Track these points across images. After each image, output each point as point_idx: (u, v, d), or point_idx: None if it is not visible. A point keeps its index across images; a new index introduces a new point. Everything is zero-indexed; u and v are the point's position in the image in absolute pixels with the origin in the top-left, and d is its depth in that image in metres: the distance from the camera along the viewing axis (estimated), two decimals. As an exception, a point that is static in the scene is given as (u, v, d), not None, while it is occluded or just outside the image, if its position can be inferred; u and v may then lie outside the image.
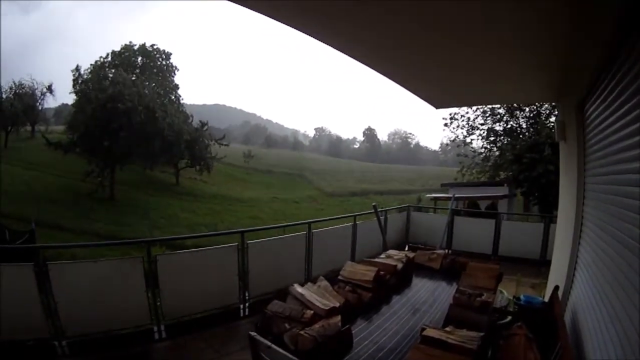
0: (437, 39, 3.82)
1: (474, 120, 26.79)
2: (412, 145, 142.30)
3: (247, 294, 7.11)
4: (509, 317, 4.91)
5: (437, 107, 7.75)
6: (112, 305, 5.66)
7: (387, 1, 2.96)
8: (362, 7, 3.08)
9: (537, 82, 5.57)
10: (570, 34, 3.38)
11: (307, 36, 3.71)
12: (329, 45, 3.96)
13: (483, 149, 27.41)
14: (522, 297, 5.46)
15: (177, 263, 6.46)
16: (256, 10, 3.22)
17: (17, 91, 57.87)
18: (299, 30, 3.58)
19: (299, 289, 4.44)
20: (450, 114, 27.37)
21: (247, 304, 7.09)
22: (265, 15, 3.31)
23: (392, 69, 5.12)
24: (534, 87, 6.05)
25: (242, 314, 7.01)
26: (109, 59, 54.10)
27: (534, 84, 5.72)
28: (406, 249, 10.67)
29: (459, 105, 20.71)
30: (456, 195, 13.77)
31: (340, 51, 4.15)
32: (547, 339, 3.95)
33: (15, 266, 5.28)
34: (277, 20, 3.37)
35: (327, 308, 3.98)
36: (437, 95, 6.72)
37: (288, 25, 3.48)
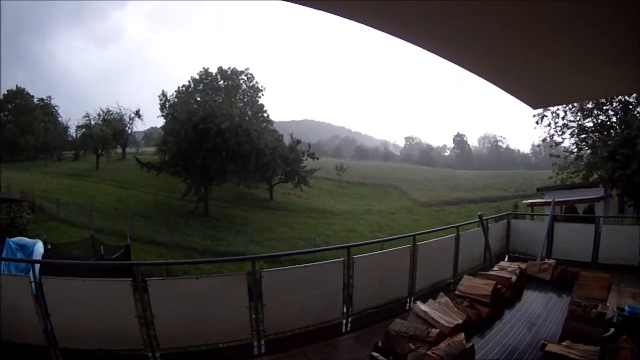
0: (534, 37, 3.81)
1: (563, 117, 25.92)
2: (502, 149, 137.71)
3: (350, 309, 7.05)
4: (612, 330, 4.57)
5: (534, 108, 7.61)
6: (213, 320, 5.85)
7: (479, 7, 3.07)
8: (455, 9, 3.16)
9: (633, 69, 5.39)
10: None
11: (399, 41, 3.76)
12: (423, 48, 4.01)
13: (575, 147, 26.41)
14: (626, 307, 5.15)
15: (282, 279, 6.62)
16: (362, 22, 3.40)
17: (106, 117, 62.03)
18: (392, 34, 3.67)
19: (422, 306, 4.43)
20: (539, 113, 26.59)
21: (349, 319, 7.03)
22: (363, 23, 3.44)
23: (486, 69, 5.09)
24: (632, 77, 5.85)
25: (344, 329, 6.91)
26: (192, 85, 56.67)
27: (632, 73, 5.54)
28: (506, 259, 10.54)
29: (557, 104, 19.93)
30: (556, 200, 13.36)
31: (436, 54, 4.18)
32: None
33: (114, 281, 5.87)
34: (368, 25, 3.48)
35: (451, 326, 3.95)
36: (534, 94, 6.58)
37: (380, 30, 3.56)
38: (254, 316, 6.15)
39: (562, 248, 10.87)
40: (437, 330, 3.91)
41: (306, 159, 46.84)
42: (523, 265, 6.20)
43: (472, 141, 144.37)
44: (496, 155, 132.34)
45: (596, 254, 10.47)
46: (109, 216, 33.26)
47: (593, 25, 3.58)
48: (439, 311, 4.33)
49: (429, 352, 3.55)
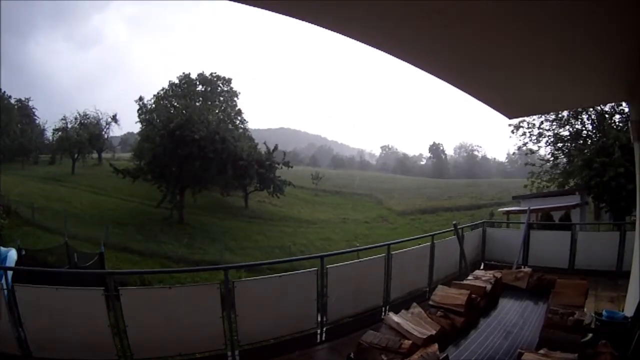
0: (506, 47, 3.85)
1: (539, 126, 26.22)
2: (478, 158, 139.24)
3: (324, 319, 7.03)
4: (590, 335, 4.60)
5: (509, 117, 7.66)
6: (186, 330, 5.79)
7: (453, 9, 3.02)
8: (427, 15, 3.14)
9: (608, 82, 5.41)
10: None
11: (370, 50, 3.75)
12: (393, 56, 4.00)
13: (551, 156, 26.73)
14: (603, 312, 5.16)
15: (255, 288, 6.59)
16: (325, 27, 3.36)
17: (82, 121, 61.15)
18: (364, 42, 3.65)
19: (394, 317, 4.37)
20: (515, 123, 26.89)
21: (324, 329, 7.01)
22: (323, 26, 3.40)
23: (463, 79, 5.12)
24: (604, 87, 5.88)
25: (319, 339, 6.92)
26: (170, 90, 56.27)
27: (605, 83, 5.57)
28: (481, 267, 10.52)
29: (532, 113, 20.22)
30: (531, 208, 13.45)
31: (407, 62, 4.19)
32: (633, 356, 3.81)
33: (86, 290, 5.71)
34: (330, 29, 3.43)
35: (424, 337, 3.89)
36: (508, 104, 6.60)
37: (342, 34, 3.53)
38: (227, 327, 6.09)
39: (538, 255, 10.96)
40: (410, 341, 3.84)
41: (281, 168, 46.72)
42: (498, 274, 6.14)
43: (449, 150, 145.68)
44: (472, 164, 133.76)
45: (573, 260, 10.60)
46: (84, 222, 32.95)
47: (567, 39, 3.63)
48: (411, 322, 4.26)
49: None
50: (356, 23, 3.41)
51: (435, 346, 3.74)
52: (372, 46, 3.73)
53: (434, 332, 4.05)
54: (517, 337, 4.52)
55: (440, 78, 4.79)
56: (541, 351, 3.65)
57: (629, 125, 5.88)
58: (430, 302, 5.07)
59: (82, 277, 10.09)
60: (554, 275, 6.32)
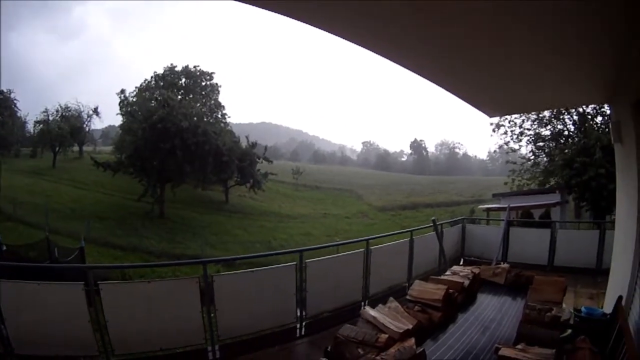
0: (488, 46, 3.84)
1: (521, 125, 26.43)
2: (460, 156, 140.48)
3: (304, 313, 7.03)
4: (569, 331, 4.67)
5: (490, 116, 7.68)
6: (166, 325, 5.73)
7: (436, 9, 3.00)
8: (412, 15, 3.12)
9: (589, 83, 5.43)
10: (624, 28, 3.29)
11: (352, 45, 3.76)
12: (377, 53, 3.98)
13: (532, 155, 26.96)
14: (582, 309, 5.26)
15: (234, 283, 6.54)
16: (308, 22, 3.32)
17: (64, 114, 60.22)
18: (345, 38, 3.63)
19: (371, 311, 4.38)
20: (496, 122, 27.07)
21: (303, 324, 7.01)
22: (310, 24, 3.37)
23: (444, 77, 5.10)
24: (586, 88, 5.89)
25: (298, 334, 6.92)
26: (153, 82, 55.77)
27: (586, 85, 5.58)
28: (461, 262, 10.56)
29: (512, 113, 20.37)
30: (511, 205, 13.51)
31: (390, 60, 4.17)
32: (612, 352, 3.88)
33: (66, 285, 5.58)
34: (317, 27, 3.43)
35: (401, 331, 3.89)
36: (490, 103, 6.62)
37: (330, 32, 3.52)
38: (207, 321, 6.05)
39: (517, 252, 11.03)
40: (387, 335, 3.83)
41: (262, 162, 46.59)
42: (476, 270, 6.19)
43: (430, 147, 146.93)
44: (453, 161, 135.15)
45: (552, 258, 10.65)
46: (65, 217, 32.53)
47: (551, 39, 3.61)
48: (388, 316, 4.27)
49: (377, 358, 3.51)
50: (342, 22, 3.40)
51: (412, 340, 3.74)
52: (354, 43, 3.72)
53: (410, 327, 4.05)
54: (494, 332, 4.54)
55: (421, 75, 4.77)
56: (519, 346, 3.67)
57: (610, 126, 5.91)
58: (408, 297, 5.08)
59: (64, 273, 9.99)
60: (533, 272, 6.37)
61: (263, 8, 3.15)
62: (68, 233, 27.24)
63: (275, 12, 3.10)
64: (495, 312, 5.20)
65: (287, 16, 3.18)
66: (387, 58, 4.08)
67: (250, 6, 3.04)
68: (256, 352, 6.20)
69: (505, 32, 3.44)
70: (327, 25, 3.44)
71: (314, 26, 3.38)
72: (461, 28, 3.35)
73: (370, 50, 3.86)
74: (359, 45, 3.75)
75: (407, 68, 4.42)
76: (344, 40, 3.62)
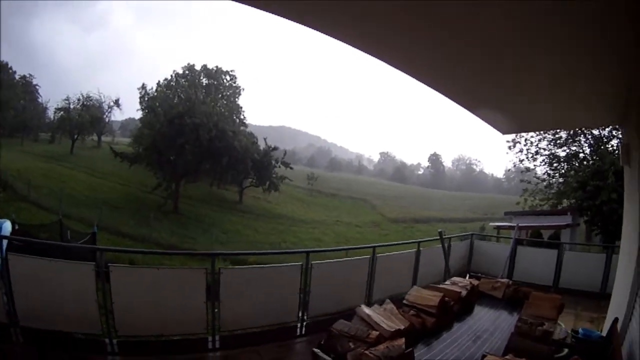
0: (504, 65, 3.95)
1: (536, 144, 26.26)
2: (476, 172, 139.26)
3: (305, 314, 7.12)
4: (566, 350, 4.64)
5: (503, 133, 7.72)
6: (170, 312, 5.85)
7: (452, 24, 3.13)
8: (429, 31, 3.27)
9: (601, 104, 5.46)
10: (635, 52, 3.38)
11: (375, 60, 3.89)
12: (400, 70, 4.14)
13: (546, 175, 26.77)
14: (580, 330, 5.23)
15: (240, 277, 6.69)
16: (336, 38, 3.48)
17: (85, 103, 60.83)
18: (366, 52, 3.77)
19: (366, 309, 4.51)
20: (512, 138, 26.90)
21: (304, 323, 7.07)
22: (337, 39, 3.53)
23: (460, 94, 5.21)
24: (597, 110, 5.91)
25: (298, 333, 7.00)
26: (174, 80, 56.40)
27: (597, 106, 5.60)
28: (467, 277, 10.60)
29: (525, 131, 20.27)
30: (520, 225, 13.48)
31: (411, 76, 4.32)
32: None
33: (77, 264, 5.80)
34: (343, 41, 3.58)
35: (392, 330, 4.03)
36: (503, 120, 6.62)
37: (353, 46, 3.66)
38: (210, 312, 6.16)
39: (524, 271, 10.99)
40: (377, 332, 3.98)
41: (279, 167, 46.72)
42: (475, 282, 6.28)
43: (447, 162, 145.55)
44: (469, 177, 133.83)
45: (558, 278, 10.61)
46: (79, 203, 32.82)
47: (566, 59, 3.68)
48: (382, 316, 4.41)
49: (367, 352, 3.64)
50: (366, 37, 3.56)
51: (402, 340, 3.89)
52: (371, 55, 3.84)
53: (402, 328, 4.20)
54: (485, 342, 4.66)
55: (437, 91, 4.87)
56: (507, 357, 3.75)
57: (619, 148, 5.88)
58: (405, 301, 5.23)
59: (73, 254, 10.17)
60: (530, 288, 6.43)
61: (262, 9, 3.27)
62: (80, 219, 27.57)
63: (276, 13, 3.22)
64: (489, 323, 5.32)
65: (290, 19, 3.30)
66: (403, 71, 4.20)
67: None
68: (256, 346, 6.25)
69: (522, 49, 3.53)
70: (342, 35, 3.58)
71: (330, 35, 3.50)
72: (478, 44, 3.48)
73: (385, 62, 3.99)
74: (372, 56, 3.86)
75: (423, 83, 4.53)
76: (364, 53, 3.77)
